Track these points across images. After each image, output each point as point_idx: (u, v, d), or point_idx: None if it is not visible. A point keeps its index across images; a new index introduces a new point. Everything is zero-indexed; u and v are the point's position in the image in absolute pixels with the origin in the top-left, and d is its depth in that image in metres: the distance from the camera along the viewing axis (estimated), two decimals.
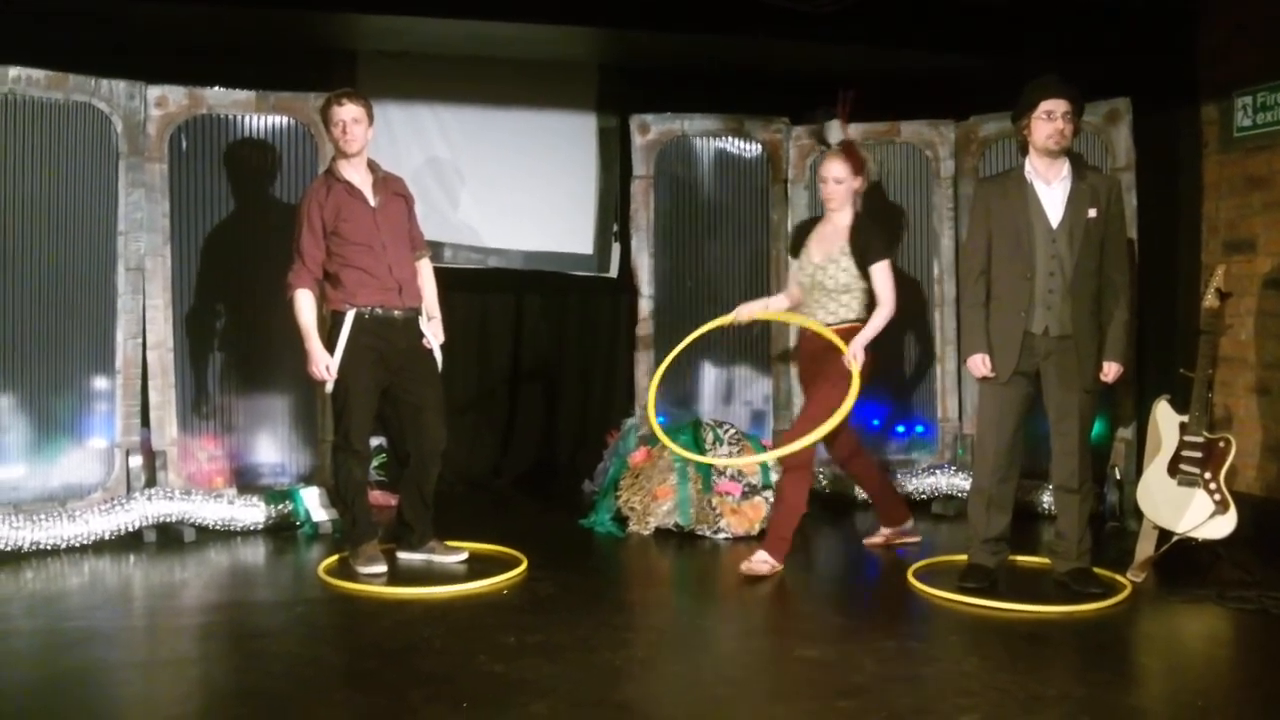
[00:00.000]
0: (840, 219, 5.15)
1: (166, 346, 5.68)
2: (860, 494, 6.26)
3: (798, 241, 5.33)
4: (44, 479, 5.38)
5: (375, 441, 6.01)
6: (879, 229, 5.30)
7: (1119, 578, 4.77)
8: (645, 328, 6.45)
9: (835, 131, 5.83)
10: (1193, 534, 4.86)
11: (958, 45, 6.11)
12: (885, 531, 5.52)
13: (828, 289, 5.10)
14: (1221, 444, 4.92)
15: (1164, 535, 4.94)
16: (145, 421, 5.66)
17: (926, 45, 6.12)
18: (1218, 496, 4.85)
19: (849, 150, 5.20)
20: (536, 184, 6.96)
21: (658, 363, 6.42)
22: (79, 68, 5.43)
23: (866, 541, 5.56)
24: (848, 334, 5.02)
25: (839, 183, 5.08)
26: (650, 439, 6.18)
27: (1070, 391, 4.62)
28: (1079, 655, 3.98)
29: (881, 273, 5.08)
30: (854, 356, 4.93)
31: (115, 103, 5.53)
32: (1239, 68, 5.86)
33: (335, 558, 5.10)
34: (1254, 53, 5.76)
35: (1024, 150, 4.69)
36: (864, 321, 5.07)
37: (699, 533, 5.65)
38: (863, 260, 5.07)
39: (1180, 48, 6.17)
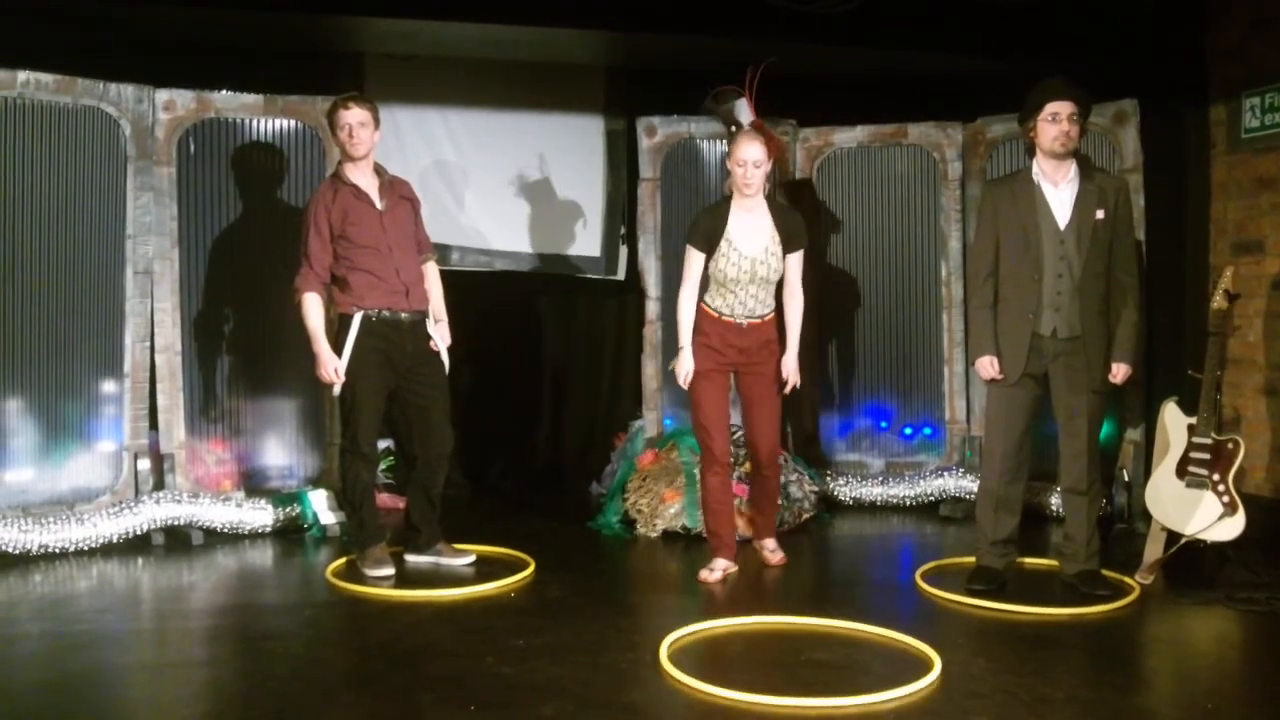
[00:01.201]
0: (757, 204, 4.90)
1: (174, 350, 5.70)
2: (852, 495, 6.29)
3: (710, 233, 4.87)
4: (52, 482, 5.40)
5: (383, 444, 6.02)
6: (797, 213, 5.12)
7: (1127, 580, 4.76)
8: (652, 330, 6.45)
9: (745, 112, 5.51)
10: (1201, 536, 4.85)
11: (965, 47, 6.11)
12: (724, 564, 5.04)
13: (767, 280, 4.90)
14: (1230, 445, 4.91)
15: (1172, 537, 4.92)
16: (153, 425, 5.68)
17: (933, 47, 6.11)
18: (1226, 498, 4.83)
19: (763, 130, 4.96)
20: (543, 187, 6.97)
21: (665, 365, 6.43)
22: (87, 71, 5.45)
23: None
24: (771, 325, 4.97)
25: (758, 166, 4.79)
26: (657, 441, 6.19)
27: (1078, 393, 4.61)
28: (1087, 657, 3.97)
29: (800, 262, 5.00)
30: (794, 378, 5.03)
31: (123, 106, 5.55)
32: (1247, 69, 5.85)
33: (343, 560, 5.11)
34: (1262, 54, 5.75)
35: (1031, 152, 4.68)
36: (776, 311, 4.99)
37: (706, 535, 5.64)
38: (788, 247, 4.93)
39: (1188, 49, 6.16)
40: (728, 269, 4.85)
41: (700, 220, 4.95)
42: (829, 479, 6.40)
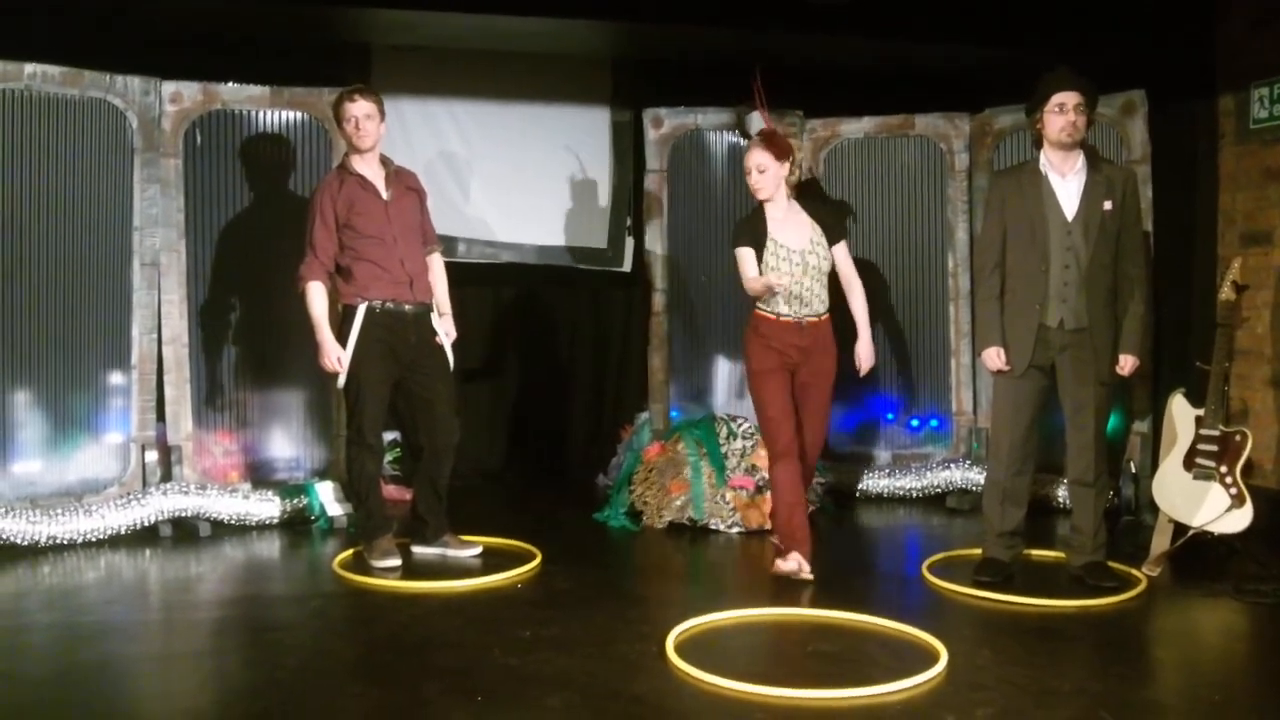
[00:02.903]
0: (784, 205, 4.96)
1: (181, 341, 5.70)
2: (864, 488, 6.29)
3: (754, 234, 4.91)
4: (60, 474, 5.41)
5: (390, 436, 6.03)
6: (833, 205, 5.27)
7: (1134, 571, 4.76)
8: (659, 322, 6.45)
9: (756, 122, 5.56)
10: (1208, 528, 4.84)
11: (972, 37, 6.09)
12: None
13: (822, 271, 4.93)
14: (1238, 437, 4.90)
15: (1179, 529, 4.92)
16: (161, 416, 5.69)
17: (940, 38, 6.10)
18: (1234, 490, 4.83)
19: (770, 137, 4.99)
20: (550, 178, 6.96)
21: (672, 357, 6.44)
22: (94, 64, 5.45)
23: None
24: (828, 325, 4.97)
25: (763, 171, 4.89)
26: (663, 434, 6.19)
27: (1086, 385, 4.60)
28: (1094, 649, 3.97)
29: (848, 252, 5.07)
30: (869, 361, 5.06)
31: (130, 98, 5.55)
32: (1256, 59, 5.82)
33: (350, 552, 5.12)
34: (1271, 44, 5.73)
35: (1038, 143, 4.67)
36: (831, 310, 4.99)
37: (712, 527, 5.65)
38: (831, 237, 5.00)
39: (1196, 39, 6.13)
40: (780, 265, 4.86)
41: (741, 227, 5.00)
42: (835, 471, 6.39)
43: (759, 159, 4.91)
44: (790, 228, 4.94)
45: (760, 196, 4.94)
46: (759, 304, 4.93)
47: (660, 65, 6.79)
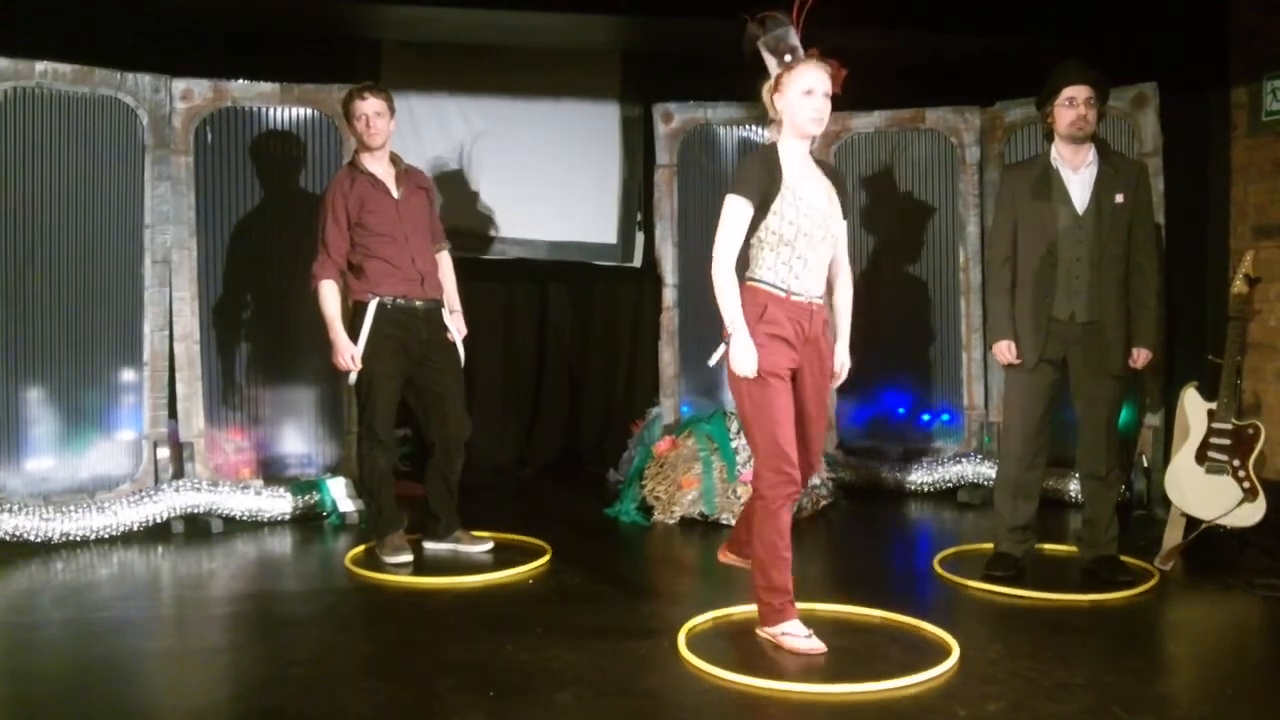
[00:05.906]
0: (806, 153, 3.87)
1: (193, 338, 5.72)
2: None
3: (765, 181, 3.73)
4: (73, 471, 5.43)
5: (401, 432, 6.03)
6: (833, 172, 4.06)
7: (1147, 566, 4.75)
8: (669, 317, 6.45)
9: (791, 37, 3.93)
10: (1221, 521, 4.83)
11: (982, 30, 6.07)
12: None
13: (836, 240, 3.87)
14: (1250, 431, 4.88)
15: (1192, 523, 4.91)
16: (173, 413, 5.71)
17: (951, 30, 6.08)
18: (1246, 484, 4.81)
19: (823, 56, 3.86)
20: (560, 174, 6.96)
21: (682, 352, 6.43)
22: (104, 61, 5.46)
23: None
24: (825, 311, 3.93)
25: (828, 98, 3.76)
26: (674, 429, 6.19)
27: (1098, 378, 4.59)
28: (1106, 643, 3.96)
29: (845, 232, 3.97)
30: (846, 371, 4.05)
31: (141, 96, 5.57)
32: (1268, 51, 5.79)
33: (362, 548, 5.13)
34: None
35: (1049, 137, 4.66)
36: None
37: (723, 521, 5.65)
38: (845, 210, 3.92)
39: (1208, 31, 6.11)
40: (800, 220, 3.73)
41: (752, 165, 3.78)
42: (847, 465, 6.38)
43: (827, 83, 3.76)
44: (811, 180, 3.84)
45: (816, 129, 3.79)
46: (756, 273, 3.80)
47: (670, 60, 6.78)
